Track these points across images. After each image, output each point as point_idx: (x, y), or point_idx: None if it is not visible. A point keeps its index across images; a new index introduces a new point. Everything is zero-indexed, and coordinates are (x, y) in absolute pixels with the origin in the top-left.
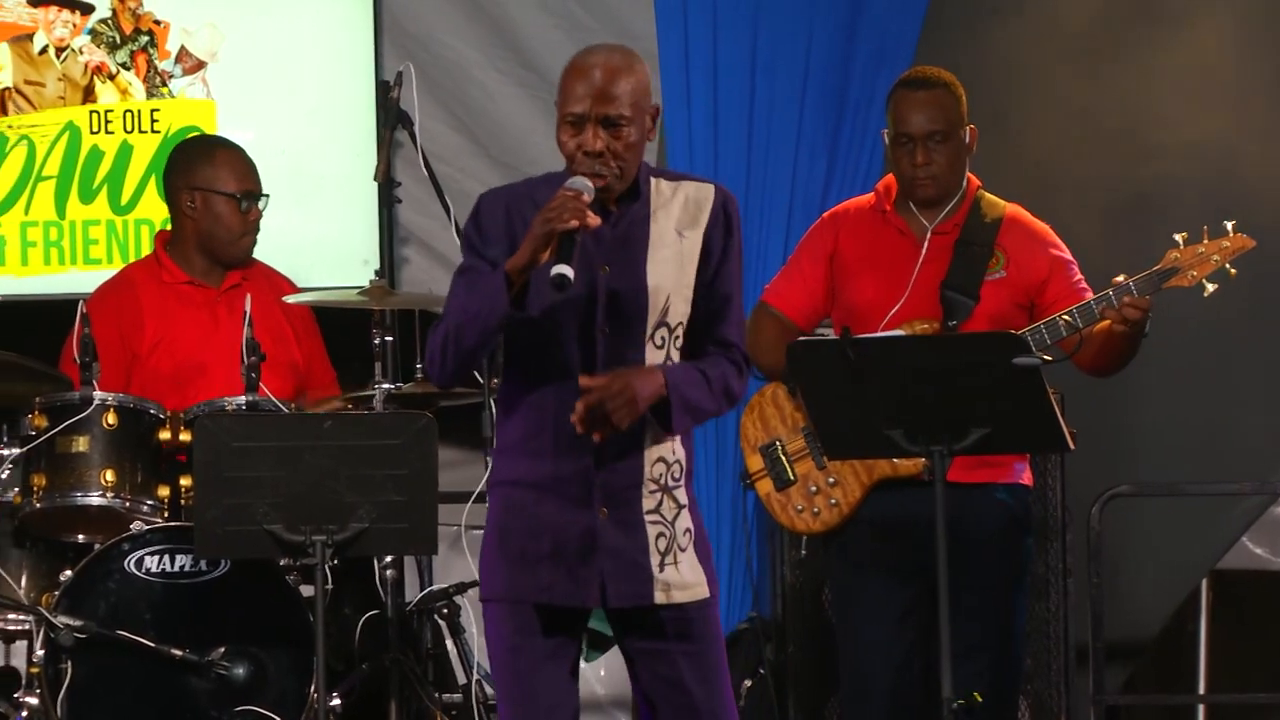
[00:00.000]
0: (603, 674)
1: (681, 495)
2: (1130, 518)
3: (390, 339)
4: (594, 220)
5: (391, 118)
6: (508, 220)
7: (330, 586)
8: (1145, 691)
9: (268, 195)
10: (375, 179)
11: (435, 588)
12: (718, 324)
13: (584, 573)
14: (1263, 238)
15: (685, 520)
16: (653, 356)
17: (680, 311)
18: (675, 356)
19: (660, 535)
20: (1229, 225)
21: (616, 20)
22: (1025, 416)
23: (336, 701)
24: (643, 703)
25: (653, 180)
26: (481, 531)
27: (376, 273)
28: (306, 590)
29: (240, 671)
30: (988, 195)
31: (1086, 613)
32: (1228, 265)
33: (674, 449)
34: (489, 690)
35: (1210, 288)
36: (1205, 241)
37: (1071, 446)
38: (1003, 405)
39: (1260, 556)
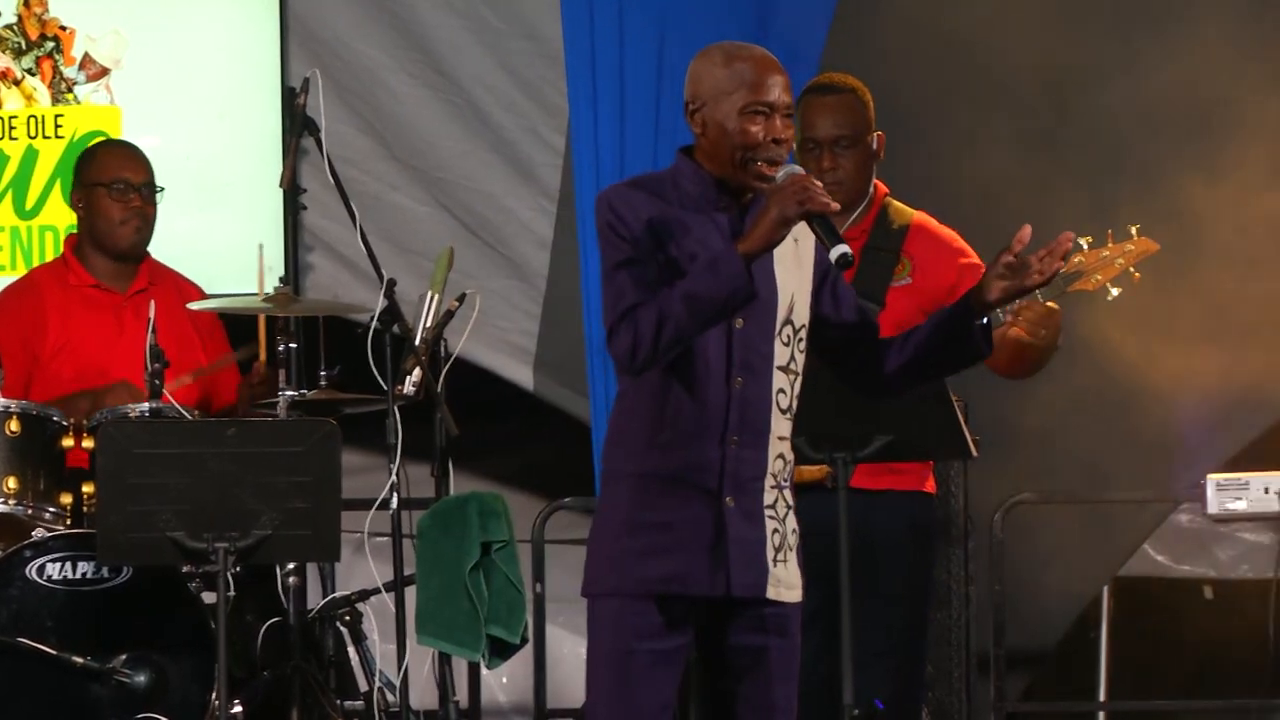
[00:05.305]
0: (505, 681)
1: (789, 496)
2: (1033, 525)
3: (294, 346)
4: (835, 204)
5: (298, 124)
6: (647, 212)
7: (232, 593)
8: (1046, 699)
9: (162, 189)
10: (281, 185)
11: (338, 595)
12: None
13: (714, 561)
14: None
15: (793, 521)
16: (780, 353)
17: (803, 314)
18: (799, 358)
19: (775, 530)
20: (1133, 229)
21: (525, 23)
22: (929, 424)
23: (238, 709)
24: (711, 704)
25: None
26: (387, 538)
27: (281, 280)
28: (209, 597)
29: (142, 679)
30: (894, 202)
31: (988, 620)
32: (1132, 269)
33: (788, 449)
34: (390, 698)
35: (1114, 292)
36: (1109, 245)
37: (975, 453)
38: (906, 412)
39: (1161, 564)
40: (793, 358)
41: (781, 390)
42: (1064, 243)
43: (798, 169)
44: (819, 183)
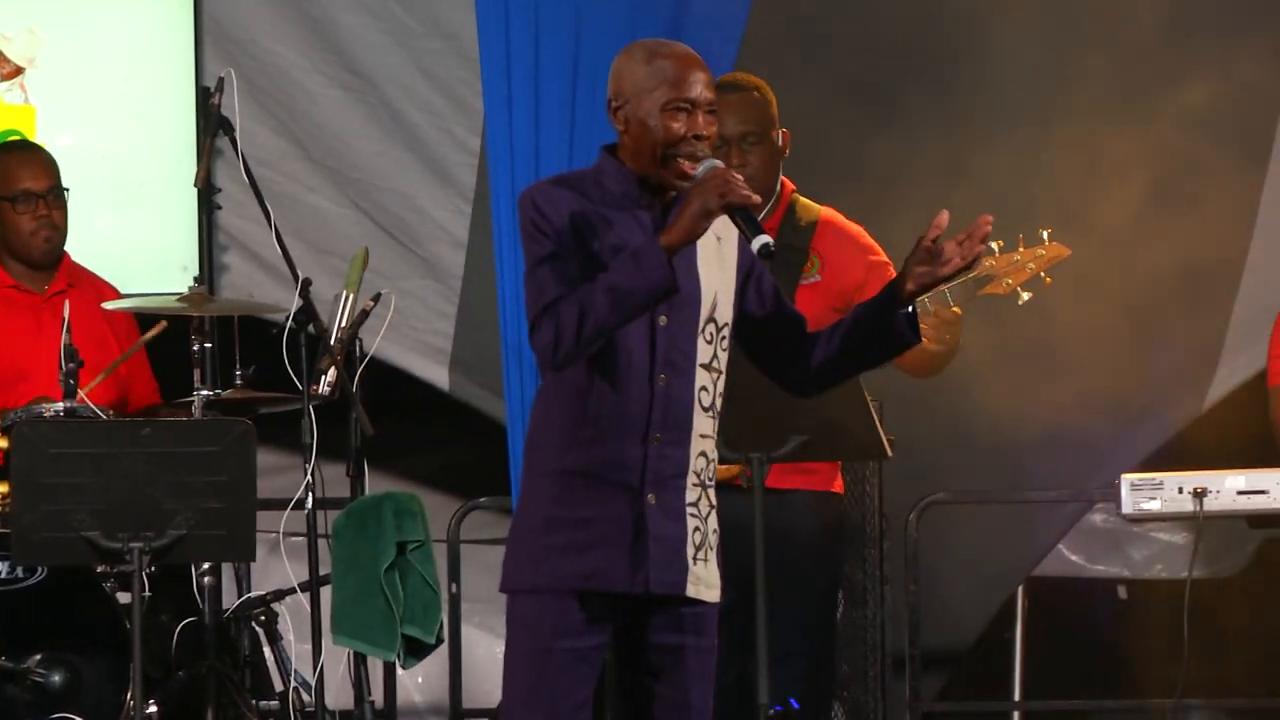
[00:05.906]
0: (420, 680)
1: (712, 494)
2: (947, 525)
3: (209, 345)
4: (756, 196)
5: (212, 124)
6: (569, 209)
7: (148, 593)
8: (962, 699)
9: (68, 189)
10: (195, 185)
11: (253, 595)
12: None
13: (634, 558)
14: (1076, 246)
15: (714, 521)
16: (703, 351)
17: (726, 312)
18: (721, 356)
19: (696, 529)
20: (1045, 234)
21: (440, 23)
22: (844, 424)
23: (153, 709)
24: (628, 701)
25: None
26: (303, 538)
27: (196, 279)
28: (124, 597)
29: (56, 679)
30: (802, 199)
31: (904, 620)
32: (1043, 274)
33: (711, 447)
34: (306, 698)
35: (1025, 296)
36: (1021, 250)
37: (890, 454)
38: (822, 412)
39: (1075, 563)
40: (715, 355)
41: (704, 388)
42: (983, 225)
43: (718, 163)
44: (739, 176)
